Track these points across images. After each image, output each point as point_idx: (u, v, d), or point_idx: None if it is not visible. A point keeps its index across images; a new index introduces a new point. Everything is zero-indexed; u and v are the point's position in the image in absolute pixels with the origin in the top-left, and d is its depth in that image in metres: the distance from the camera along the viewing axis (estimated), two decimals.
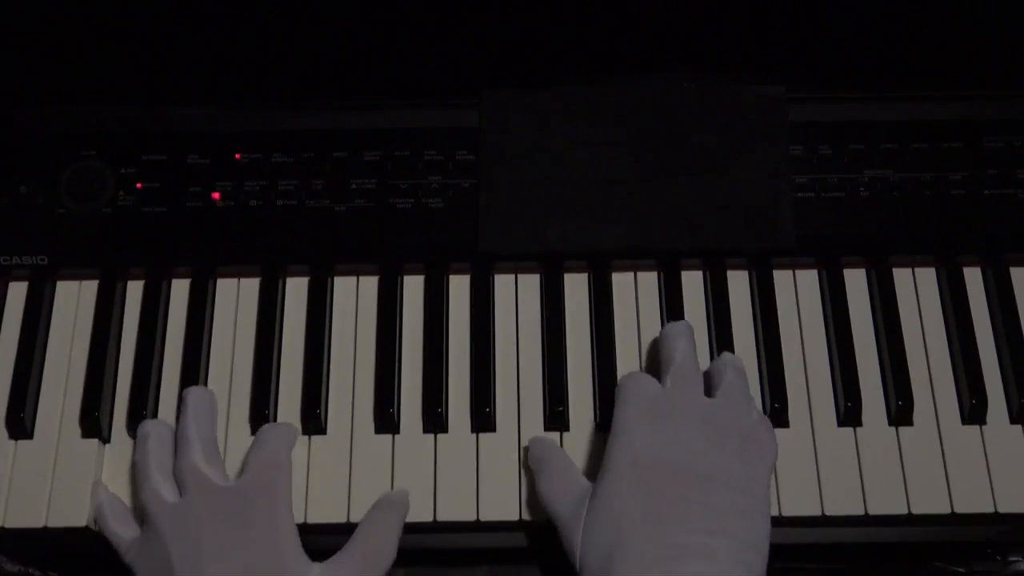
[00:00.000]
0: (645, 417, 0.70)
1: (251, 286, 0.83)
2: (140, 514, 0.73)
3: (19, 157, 0.84)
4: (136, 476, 0.74)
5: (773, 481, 0.76)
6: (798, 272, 0.83)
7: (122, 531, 0.73)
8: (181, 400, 0.76)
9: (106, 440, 0.78)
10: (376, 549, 0.72)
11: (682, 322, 0.76)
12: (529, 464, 0.75)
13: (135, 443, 0.76)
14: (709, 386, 0.74)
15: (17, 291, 0.82)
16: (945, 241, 0.82)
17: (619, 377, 0.76)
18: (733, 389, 0.72)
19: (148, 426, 0.76)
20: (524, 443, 0.77)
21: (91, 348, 0.80)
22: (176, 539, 0.69)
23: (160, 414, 0.79)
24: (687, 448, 0.68)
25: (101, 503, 0.75)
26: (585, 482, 0.71)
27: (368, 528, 0.73)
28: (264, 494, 0.71)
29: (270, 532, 0.69)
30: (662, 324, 0.81)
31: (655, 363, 0.78)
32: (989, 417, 0.78)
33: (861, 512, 0.75)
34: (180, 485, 0.72)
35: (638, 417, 0.70)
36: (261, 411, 0.78)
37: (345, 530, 0.74)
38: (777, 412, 0.77)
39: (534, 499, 0.75)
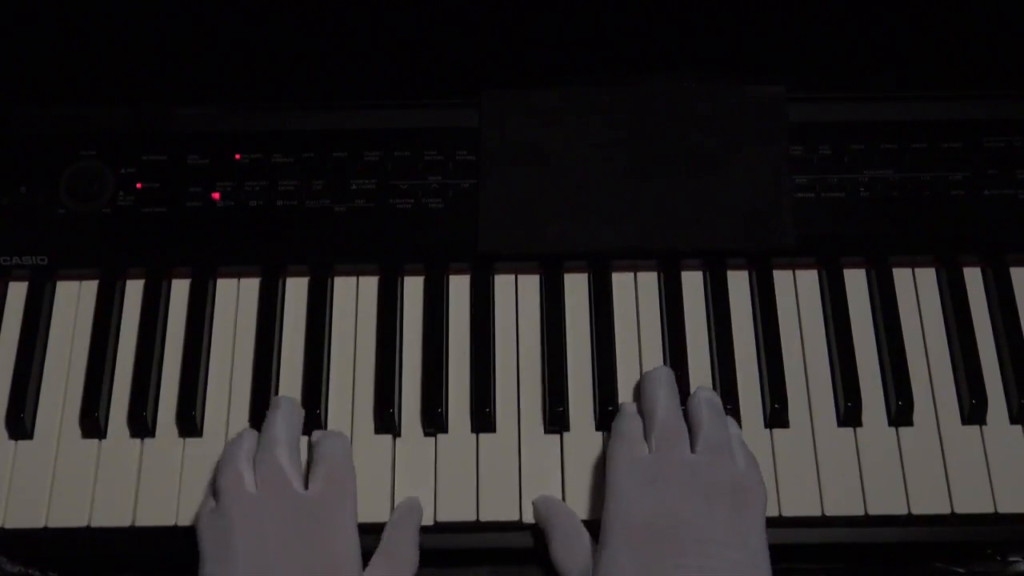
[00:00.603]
0: (636, 484, 0.70)
1: (251, 286, 0.83)
2: (215, 491, 0.73)
3: (19, 157, 0.84)
4: (223, 456, 0.73)
5: (773, 482, 0.76)
6: (798, 272, 0.83)
7: (208, 498, 0.73)
8: (271, 406, 0.76)
9: (106, 440, 0.78)
10: (403, 556, 0.73)
11: (662, 369, 0.76)
12: (535, 521, 0.75)
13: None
14: (690, 426, 0.74)
15: (17, 291, 0.82)
16: (945, 241, 0.82)
17: (614, 416, 0.75)
18: (713, 437, 0.72)
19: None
20: (524, 443, 0.78)
21: (91, 348, 0.80)
22: (244, 531, 0.69)
23: (160, 414, 0.79)
24: (680, 512, 0.68)
25: (241, 452, 0.73)
26: (592, 544, 0.72)
27: (393, 536, 0.74)
28: (335, 507, 0.71)
29: (335, 547, 0.70)
30: (662, 324, 0.81)
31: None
32: (989, 417, 0.78)
33: (861, 512, 0.75)
34: (257, 478, 0.72)
35: (630, 485, 0.70)
36: (261, 411, 0.78)
37: None
38: (777, 412, 0.78)
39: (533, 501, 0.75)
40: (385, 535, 0.74)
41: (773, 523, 0.75)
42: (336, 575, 0.69)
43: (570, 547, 0.72)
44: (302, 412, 0.77)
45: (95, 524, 0.76)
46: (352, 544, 0.70)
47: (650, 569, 0.67)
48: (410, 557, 0.73)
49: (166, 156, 0.84)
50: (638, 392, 0.77)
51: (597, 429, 0.78)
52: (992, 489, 0.76)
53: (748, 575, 0.67)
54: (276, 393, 0.79)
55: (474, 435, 0.78)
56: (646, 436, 0.73)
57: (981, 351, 0.79)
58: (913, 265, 0.83)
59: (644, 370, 0.79)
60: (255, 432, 0.75)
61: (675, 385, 0.75)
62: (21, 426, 0.78)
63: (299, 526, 0.69)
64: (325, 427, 0.78)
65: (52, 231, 0.82)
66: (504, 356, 0.80)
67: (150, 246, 0.82)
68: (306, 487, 0.72)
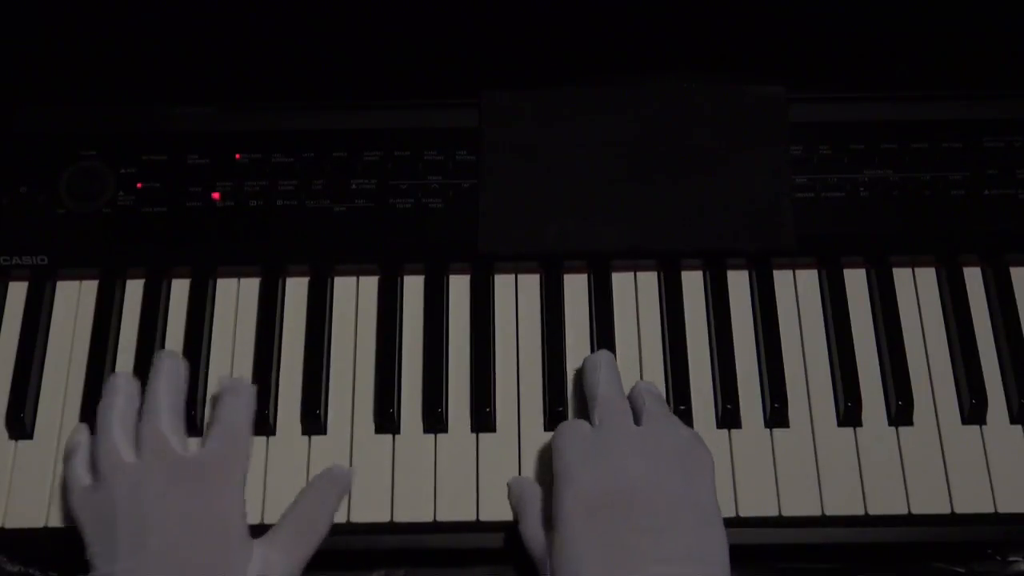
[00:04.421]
0: (583, 458, 0.70)
1: (251, 286, 0.83)
2: (94, 465, 0.72)
3: (19, 157, 0.84)
4: (97, 428, 0.73)
5: (773, 481, 0.76)
6: (798, 272, 0.83)
7: (83, 474, 0.72)
8: (152, 366, 0.75)
9: None
10: (309, 523, 0.72)
11: (602, 352, 0.77)
12: (509, 502, 0.75)
13: (103, 393, 0.75)
14: (634, 410, 0.74)
15: (17, 291, 0.82)
16: (945, 241, 0.82)
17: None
18: (655, 409, 0.73)
19: (120, 380, 0.75)
20: (524, 443, 0.78)
21: (91, 348, 0.80)
22: (124, 500, 0.68)
23: None
24: (629, 479, 0.68)
25: (78, 442, 0.74)
26: None
27: (302, 502, 0.73)
28: (220, 468, 0.70)
29: (219, 507, 0.69)
30: (662, 324, 0.81)
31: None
32: (989, 417, 0.78)
33: (861, 512, 0.75)
34: (139, 446, 0.71)
35: (577, 460, 0.70)
36: (261, 411, 0.78)
37: (345, 530, 0.74)
38: (777, 412, 0.78)
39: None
40: (298, 498, 0.73)
41: (773, 523, 0.75)
42: (220, 533, 0.68)
43: (537, 527, 0.72)
44: (186, 372, 0.76)
45: None
46: (238, 503, 0.70)
47: (604, 539, 0.66)
48: (316, 525, 0.72)
49: (166, 156, 0.84)
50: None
51: None
52: (992, 489, 0.76)
53: (702, 533, 0.67)
54: (276, 394, 0.79)
55: (474, 435, 0.78)
56: (589, 416, 0.73)
57: (981, 351, 0.79)
58: (913, 265, 0.83)
59: (644, 370, 0.79)
60: (121, 394, 0.74)
61: (615, 367, 0.76)
62: (21, 426, 0.78)
63: (182, 487, 0.69)
64: (325, 427, 0.78)
65: (52, 231, 0.82)
66: (504, 356, 0.80)
67: (150, 246, 0.82)
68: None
